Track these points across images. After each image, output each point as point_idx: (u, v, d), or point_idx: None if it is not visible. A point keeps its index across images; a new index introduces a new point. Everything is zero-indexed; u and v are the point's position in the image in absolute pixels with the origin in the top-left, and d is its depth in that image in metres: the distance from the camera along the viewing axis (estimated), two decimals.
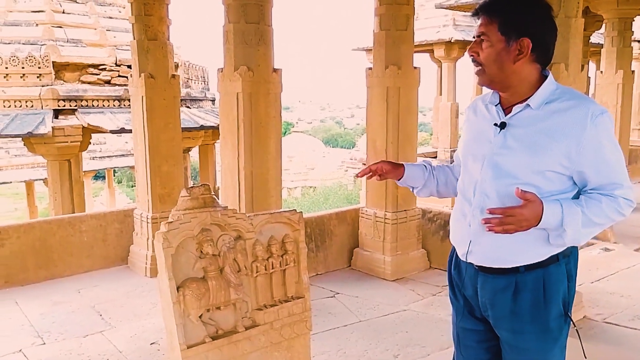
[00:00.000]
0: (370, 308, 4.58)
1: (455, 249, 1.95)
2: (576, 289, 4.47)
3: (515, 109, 1.73)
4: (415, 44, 5.51)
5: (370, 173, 2.07)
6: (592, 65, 15.06)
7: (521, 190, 1.61)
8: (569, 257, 1.80)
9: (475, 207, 1.80)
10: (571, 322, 1.81)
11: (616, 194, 1.69)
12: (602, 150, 1.67)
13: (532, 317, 1.76)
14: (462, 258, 1.88)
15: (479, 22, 1.73)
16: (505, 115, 1.76)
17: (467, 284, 1.90)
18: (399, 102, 5.22)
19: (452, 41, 13.11)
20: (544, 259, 1.74)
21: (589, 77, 9.63)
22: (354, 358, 3.68)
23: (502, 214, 1.63)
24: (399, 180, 2.09)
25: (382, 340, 3.92)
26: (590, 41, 12.08)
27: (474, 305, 1.92)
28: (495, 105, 1.80)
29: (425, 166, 2.10)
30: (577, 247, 1.83)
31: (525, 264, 1.75)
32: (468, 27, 13.36)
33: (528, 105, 1.71)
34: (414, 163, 2.14)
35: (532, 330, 1.77)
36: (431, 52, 14.13)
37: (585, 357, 1.93)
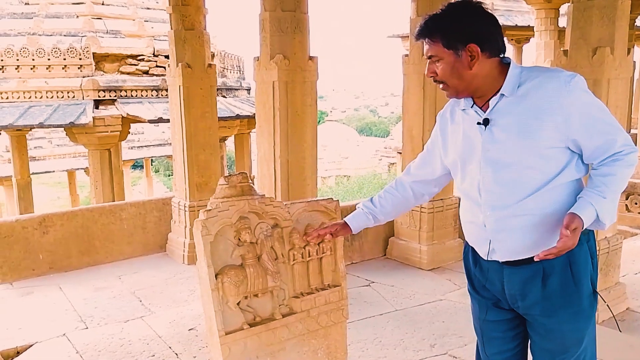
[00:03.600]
0: (406, 297, 4.56)
1: (469, 247, 1.97)
2: (619, 280, 4.37)
3: (492, 102, 1.77)
4: None
5: (319, 237, 2.24)
6: (637, 50, 14.54)
7: (562, 228, 1.62)
8: (588, 234, 1.81)
9: (486, 207, 1.81)
10: (598, 295, 1.85)
11: (617, 151, 1.70)
12: (586, 112, 1.69)
13: (565, 300, 1.78)
14: (485, 257, 1.88)
15: (425, 46, 1.79)
16: (484, 112, 1.79)
17: (492, 279, 1.90)
18: (437, 90, 5.14)
19: None
20: None
21: (634, 62, 9.32)
22: (390, 347, 3.67)
23: (557, 254, 1.63)
24: (352, 231, 2.22)
25: (419, 330, 3.90)
26: (635, 24, 11.64)
27: (500, 299, 1.92)
28: (472, 107, 1.83)
29: (364, 212, 2.19)
30: None
31: (549, 247, 1.71)
32: (507, 11, 13.05)
33: (502, 95, 1.75)
34: (353, 213, 2.22)
35: (566, 312, 1.79)
36: None
37: (620, 330, 1.95)
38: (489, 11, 1.75)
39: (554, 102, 1.67)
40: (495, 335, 1.99)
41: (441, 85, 1.81)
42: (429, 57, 1.78)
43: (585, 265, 1.79)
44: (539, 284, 1.78)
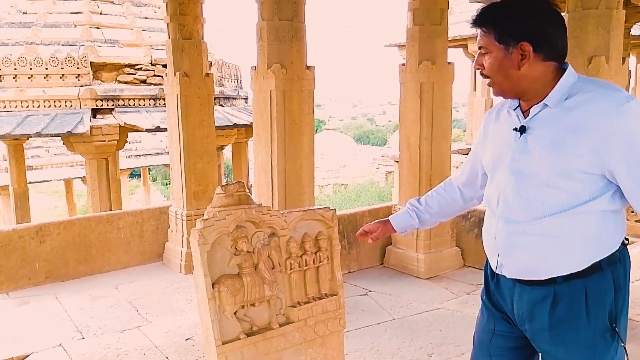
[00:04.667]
0: (404, 306, 4.55)
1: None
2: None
3: (533, 110, 1.63)
4: (449, 39, 5.44)
5: (365, 234, 2.16)
6: (632, 59, 14.63)
7: None
8: (616, 264, 1.64)
9: (499, 218, 1.71)
10: (619, 339, 1.64)
11: None
12: (631, 142, 1.49)
13: (573, 331, 1.63)
14: (496, 271, 1.78)
15: (478, 36, 1.67)
16: (525, 118, 1.66)
17: (505, 295, 1.79)
18: (433, 98, 5.17)
19: None
20: (582, 268, 1.61)
21: (630, 71, 9.37)
22: (388, 356, 3.66)
23: None
24: (396, 232, 2.15)
25: (416, 339, 3.89)
26: (630, 33, 11.72)
27: (510, 317, 1.82)
28: (514, 109, 1.71)
29: (408, 210, 2.11)
30: (627, 253, 1.67)
31: (562, 274, 1.62)
32: None
33: (545, 104, 1.61)
34: (398, 212, 2.16)
35: (573, 344, 1.64)
36: (465, 47, 13.93)
37: None
38: (556, 9, 1.59)
39: (598, 123, 1.50)
40: (500, 352, 1.87)
41: (488, 81, 1.69)
42: (479, 48, 1.66)
43: (604, 296, 1.61)
44: (548, 308, 1.65)
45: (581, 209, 1.58)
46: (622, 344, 1.66)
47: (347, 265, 5.39)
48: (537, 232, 1.62)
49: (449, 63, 5.24)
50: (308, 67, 4.65)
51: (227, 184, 2.18)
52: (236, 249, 2.15)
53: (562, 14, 1.90)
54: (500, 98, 1.76)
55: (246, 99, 11.92)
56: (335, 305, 2.39)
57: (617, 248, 1.65)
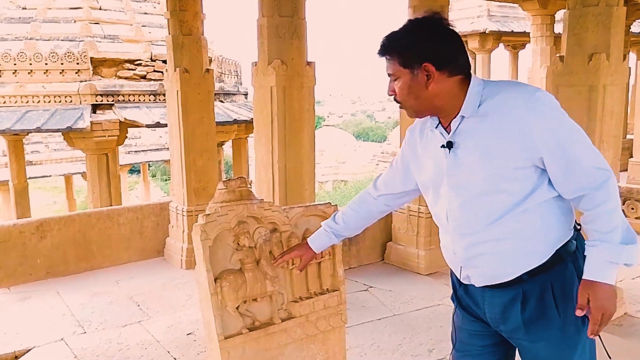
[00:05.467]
0: (404, 302, 4.57)
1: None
2: (617, 285, 4.33)
3: (453, 124, 1.70)
4: None
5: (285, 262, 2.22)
6: (632, 56, 14.62)
7: (577, 310, 1.60)
8: (575, 254, 1.71)
9: (453, 233, 1.76)
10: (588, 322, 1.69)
11: (589, 183, 1.58)
12: (549, 130, 1.57)
13: (546, 325, 1.69)
14: (463, 282, 1.83)
15: (386, 63, 1.73)
16: (449, 134, 1.72)
17: (476, 301, 1.84)
18: None
19: (486, 32, 12.89)
20: (544, 260, 1.67)
21: (629, 68, 9.38)
22: (388, 352, 3.67)
23: (594, 332, 1.61)
24: (315, 252, 2.20)
25: (417, 335, 3.90)
26: (630, 31, 11.72)
27: (484, 319, 1.85)
28: (436, 127, 1.77)
29: (326, 231, 2.17)
30: (582, 239, 1.72)
31: (526, 270, 1.68)
32: (503, 17, 13.11)
33: (462, 116, 1.67)
34: (316, 232, 2.21)
35: (548, 337, 1.70)
36: (465, 43, 13.93)
37: (610, 358, 1.81)
38: (450, 27, 1.68)
39: (513, 120, 1.58)
40: (474, 350, 1.91)
41: (400, 105, 1.76)
42: (389, 75, 1.73)
43: (570, 288, 1.68)
44: (519, 307, 1.71)
45: (526, 205, 1.64)
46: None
47: (348, 262, 5.40)
48: (492, 237, 1.68)
49: None
50: (308, 64, 4.65)
51: (228, 180, 2.18)
52: (238, 244, 2.16)
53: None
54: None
55: (246, 94, 11.92)
56: (337, 301, 2.40)
57: (572, 235, 1.71)
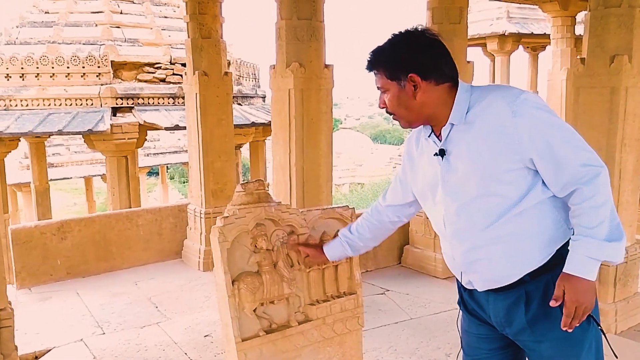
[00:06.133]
0: (421, 306, 4.54)
1: None
2: (638, 290, 4.25)
3: (444, 132, 1.73)
4: (467, 38, 5.41)
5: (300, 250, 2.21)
6: None
7: (551, 301, 1.61)
8: None
9: (452, 239, 1.78)
10: (593, 321, 1.70)
11: (579, 177, 1.57)
12: (537, 130, 1.58)
13: (550, 324, 1.69)
14: (467, 287, 1.85)
15: (375, 78, 1.78)
16: (441, 142, 1.75)
17: (480, 305, 1.85)
18: None
19: (505, 34, 12.76)
20: (545, 261, 1.68)
21: None
22: (406, 355, 3.65)
23: (566, 324, 1.61)
24: (329, 260, 2.21)
25: (434, 339, 3.88)
26: None
27: (489, 323, 1.86)
28: (429, 136, 1.80)
29: (341, 241, 2.17)
30: None
31: (526, 273, 1.69)
32: (522, 19, 12.99)
33: (452, 123, 1.71)
34: (332, 241, 2.21)
35: (553, 337, 1.70)
36: (484, 45, 13.80)
37: (617, 357, 1.83)
38: (434, 38, 1.72)
39: (502, 123, 1.60)
40: (487, 352, 1.91)
41: (393, 117, 1.79)
42: (379, 89, 1.77)
43: None
44: (523, 309, 1.72)
45: (521, 207, 1.65)
46: (599, 327, 1.73)
47: (365, 265, 5.39)
48: (490, 242, 1.70)
49: (468, 62, 5.21)
50: (326, 66, 4.65)
51: (247, 182, 2.19)
52: (255, 246, 2.16)
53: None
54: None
55: (264, 97, 11.96)
56: (354, 304, 2.39)
57: (571, 234, 1.69)
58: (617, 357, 1.83)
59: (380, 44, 1.77)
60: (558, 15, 10.55)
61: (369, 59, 1.78)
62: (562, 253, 1.68)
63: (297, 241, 2.21)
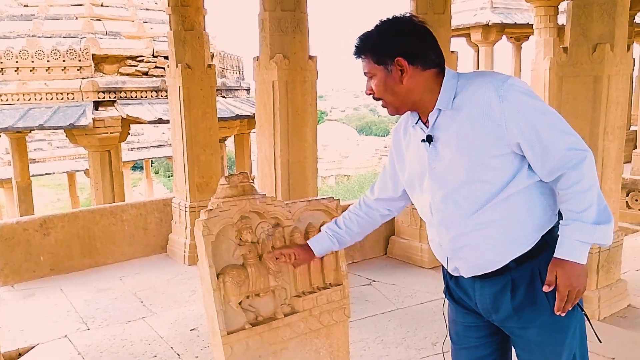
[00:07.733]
0: (408, 296, 4.56)
1: None
2: (620, 277, 4.32)
3: (431, 118, 1.73)
4: (451, 28, 5.41)
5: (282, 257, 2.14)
6: (636, 46, 14.52)
7: (544, 286, 1.63)
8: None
9: (439, 226, 1.79)
10: (578, 307, 1.72)
11: (565, 162, 1.58)
12: (523, 115, 1.59)
13: (536, 312, 1.71)
14: (453, 274, 1.86)
15: (362, 63, 1.78)
16: (428, 128, 1.75)
17: (467, 292, 1.86)
18: None
19: (489, 24, 12.82)
20: (530, 247, 1.69)
21: (634, 58, 9.32)
22: (393, 345, 3.67)
23: (560, 308, 1.63)
24: (316, 256, 2.17)
25: (421, 328, 3.90)
26: (634, 21, 11.64)
27: (476, 310, 1.87)
28: (417, 123, 1.80)
29: (328, 234, 2.14)
30: None
31: (512, 258, 1.70)
32: (506, 9, 13.05)
33: (439, 109, 1.71)
34: (317, 235, 2.18)
35: (539, 323, 1.72)
36: (468, 36, 13.86)
37: (600, 342, 1.86)
38: (420, 24, 1.72)
39: (488, 109, 1.61)
40: (471, 342, 1.93)
41: (381, 102, 1.79)
42: (365, 74, 1.78)
43: None
44: (509, 295, 1.73)
45: (507, 192, 1.66)
46: (583, 312, 1.77)
47: (351, 256, 5.39)
48: (476, 227, 1.70)
49: (452, 52, 5.21)
50: (311, 58, 4.63)
51: (231, 175, 2.17)
52: (240, 239, 2.14)
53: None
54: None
55: (248, 90, 11.90)
56: (340, 295, 2.39)
57: (557, 220, 1.72)
58: (600, 342, 1.86)
59: (368, 30, 1.76)
60: (541, 4, 10.62)
61: (356, 45, 1.77)
62: (546, 239, 1.69)
63: (281, 252, 2.15)
